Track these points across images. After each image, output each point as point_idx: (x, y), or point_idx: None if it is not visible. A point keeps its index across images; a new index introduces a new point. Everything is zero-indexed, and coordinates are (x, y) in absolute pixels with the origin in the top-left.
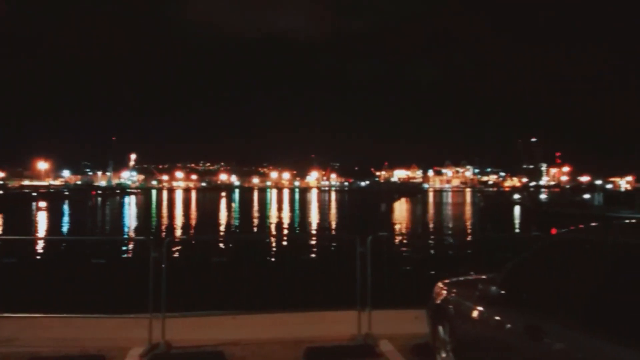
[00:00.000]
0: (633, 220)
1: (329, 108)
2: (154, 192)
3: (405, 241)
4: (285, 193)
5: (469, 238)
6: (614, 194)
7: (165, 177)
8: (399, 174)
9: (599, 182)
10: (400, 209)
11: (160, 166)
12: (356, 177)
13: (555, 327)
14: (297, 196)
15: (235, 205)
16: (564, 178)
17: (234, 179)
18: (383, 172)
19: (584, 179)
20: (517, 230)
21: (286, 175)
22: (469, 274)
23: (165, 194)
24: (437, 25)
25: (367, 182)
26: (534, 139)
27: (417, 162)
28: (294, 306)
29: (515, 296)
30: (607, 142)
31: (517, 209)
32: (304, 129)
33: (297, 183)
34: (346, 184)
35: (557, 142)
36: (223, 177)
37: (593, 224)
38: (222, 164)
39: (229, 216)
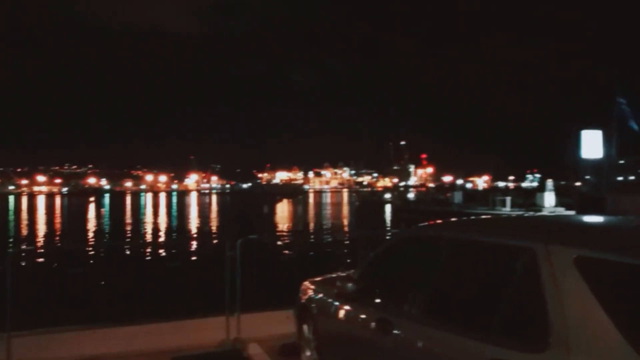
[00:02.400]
0: (472, 217)
1: (211, 109)
2: (11, 197)
3: (284, 242)
4: (162, 197)
5: (345, 236)
6: (471, 192)
7: (24, 182)
8: (281, 176)
9: (460, 181)
10: (283, 211)
11: (20, 169)
12: (238, 179)
13: (401, 320)
14: (174, 200)
15: (104, 211)
16: (430, 178)
17: (104, 183)
18: (265, 174)
19: (447, 178)
20: (388, 228)
21: (163, 178)
22: (339, 272)
23: (25, 199)
24: (318, 27)
25: (250, 184)
26: (403, 142)
27: (298, 164)
28: (160, 315)
29: (369, 291)
30: (467, 145)
31: (388, 208)
32: (184, 130)
33: (175, 186)
34: (228, 186)
35: (424, 144)
36: (92, 180)
37: (439, 221)
38: (91, 166)
39: (98, 223)
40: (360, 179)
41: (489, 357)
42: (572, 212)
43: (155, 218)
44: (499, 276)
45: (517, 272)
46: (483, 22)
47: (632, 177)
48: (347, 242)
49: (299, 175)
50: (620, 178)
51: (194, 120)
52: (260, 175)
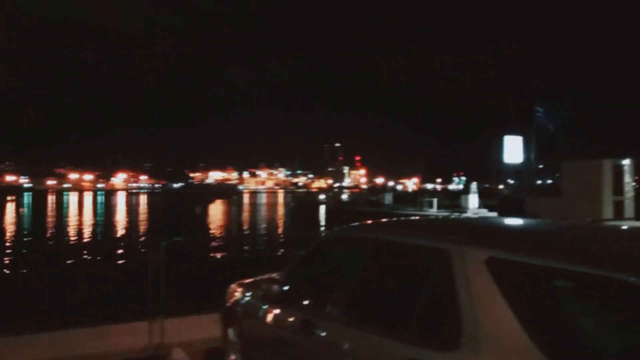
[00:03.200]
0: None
1: (141, 106)
2: None
3: (216, 244)
4: (88, 196)
5: (280, 237)
6: (401, 194)
7: None
8: (215, 176)
9: (391, 183)
10: (216, 211)
11: None
12: (169, 179)
13: (323, 321)
14: (100, 199)
15: (23, 210)
16: (363, 180)
17: (25, 181)
18: (198, 174)
19: (380, 180)
20: (322, 228)
21: (88, 176)
22: (270, 274)
23: None
24: (254, 26)
25: (181, 184)
26: (338, 144)
27: (232, 164)
28: (79, 321)
29: (295, 293)
30: (398, 148)
31: (322, 209)
32: (112, 127)
33: (101, 185)
34: (158, 186)
35: (358, 147)
36: (11, 178)
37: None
38: (8, 163)
39: (17, 222)
40: (295, 180)
41: (405, 357)
42: (494, 214)
43: (79, 218)
44: (417, 277)
45: (434, 272)
46: (413, 29)
47: (549, 181)
48: (282, 242)
49: (234, 175)
50: (539, 181)
51: (123, 117)
52: (192, 175)
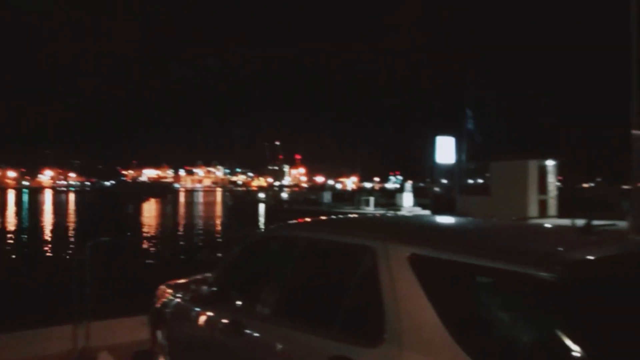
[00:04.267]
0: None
1: (70, 100)
2: None
3: (148, 244)
4: (11, 194)
5: (217, 237)
6: (340, 192)
7: None
8: (149, 174)
9: (331, 182)
10: (150, 210)
11: None
12: (100, 176)
13: (253, 321)
14: (25, 198)
15: None
16: (304, 178)
17: None
18: (131, 172)
19: (320, 179)
20: (262, 227)
21: (12, 173)
22: (203, 274)
23: None
24: (190, 21)
25: (113, 182)
26: (278, 142)
27: (168, 161)
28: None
29: (225, 294)
30: (338, 147)
31: (262, 207)
32: (40, 122)
33: (26, 182)
34: (88, 183)
35: (298, 145)
36: None
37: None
38: None
39: None
40: (235, 178)
41: (331, 354)
42: (427, 212)
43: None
44: (344, 274)
45: (360, 270)
46: (353, 27)
47: (480, 180)
48: (220, 242)
49: (169, 173)
50: (471, 181)
51: (52, 112)
52: (125, 172)
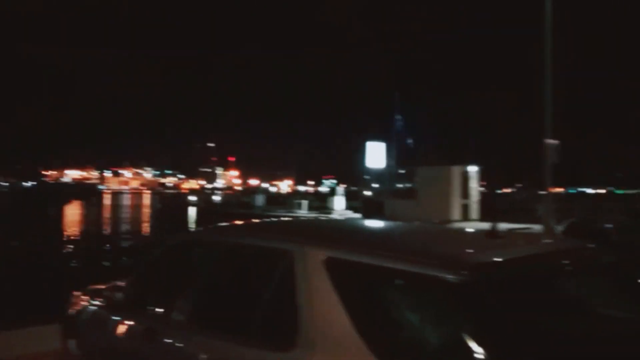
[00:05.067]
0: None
1: None
2: None
3: (67, 249)
4: None
5: (141, 241)
6: (273, 195)
7: None
8: (72, 174)
9: (266, 185)
10: (73, 213)
11: None
12: (19, 176)
13: (167, 329)
14: None
15: None
16: (237, 181)
17: None
18: (53, 172)
19: (254, 182)
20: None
21: None
22: (120, 280)
23: None
24: (120, 15)
25: (34, 183)
26: (211, 144)
27: (93, 162)
28: None
29: (140, 300)
30: (273, 150)
31: (193, 211)
32: None
33: None
34: (5, 184)
35: (232, 147)
36: None
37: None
38: None
39: None
40: (164, 180)
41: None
42: (358, 215)
43: None
44: (262, 279)
45: (278, 274)
46: (287, 32)
47: (409, 185)
48: (142, 247)
49: (94, 174)
50: (401, 185)
51: None
52: (46, 173)
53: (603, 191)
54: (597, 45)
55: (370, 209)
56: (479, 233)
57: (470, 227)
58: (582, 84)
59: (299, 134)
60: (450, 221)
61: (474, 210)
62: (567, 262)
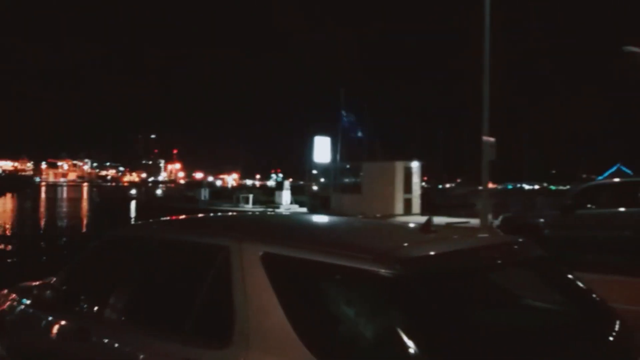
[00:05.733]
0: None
1: None
2: None
3: None
4: None
5: (76, 237)
6: (219, 189)
7: None
8: (4, 165)
9: (211, 178)
10: (4, 207)
11: None
12: None
13: (100, 327)
14: None
15: None
16: (181, 174)
17: None
18: None
19: (199, 175)
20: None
21: None
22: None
23: None
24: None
25: None
26: (153, 136)
27: (27, 153)
28: None
29: (72, 298)
30: (219, 143)
31: (133, 204)
32: None
33: None
34: None
35: (176, 139)
36: None
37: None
38: None
39: None
40: (104, 173)
41: (179, 357)
42: (304, 209)
43: None
44: (198, 275)
45: (214, 270)
46: (236, 28)
47: (355, 180)
48: (77, 243)
49: (29, 165)
50: (347, 180)
51: None
52: None
53: (538, 187)
54: (536, 46)
55: (316, 203)
56: (413, 228)
57: (408, 222)
58: (521, 84)
59: (247, 128)
60: (391, 216)
61: (416, 204)
62: (496, 256)
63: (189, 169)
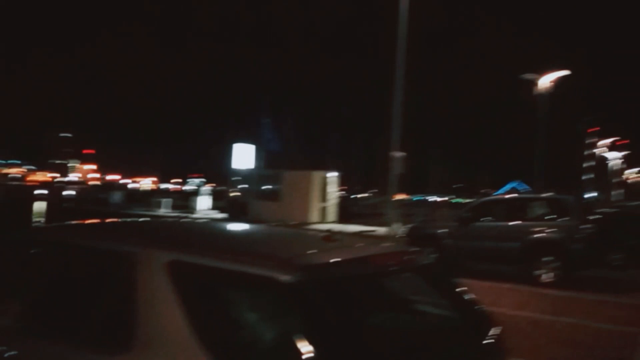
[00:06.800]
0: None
1: None
2: None
3: None
4: None
5: None
6: (134, 192)
7: None
8: None
9: (127, 181)
10: None
11: None
12: None
13: None
14: None
15: None
16: (96, 175)
17: None
18: None
19: (115, 177)
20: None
21: None
22: None
23: None
24: None
25: None
26: (65, 134)
27: None
28: None
29: None
30: (136, 145)
31: (41, 206)
32: None
33: None
34: None
35: (90, 140)
36: None
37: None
38: None
39: None
40: (7, 171)
41: None
42: (222, 215)
43: None
44: (103, 282)
45: (119, 276)
46: (156, 26)
47: (275, 187)
48: None
49: None
50: (269, 186)
51: None
52: None
53: (444, 199)
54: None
55: (235, 209)
56: (317, 236)
57: (315, 231)
58: (432, 103)
59: (168, 131)
60: (308, 223)
61: (332, 213)
62: (389, 263)
63: (104, 170)
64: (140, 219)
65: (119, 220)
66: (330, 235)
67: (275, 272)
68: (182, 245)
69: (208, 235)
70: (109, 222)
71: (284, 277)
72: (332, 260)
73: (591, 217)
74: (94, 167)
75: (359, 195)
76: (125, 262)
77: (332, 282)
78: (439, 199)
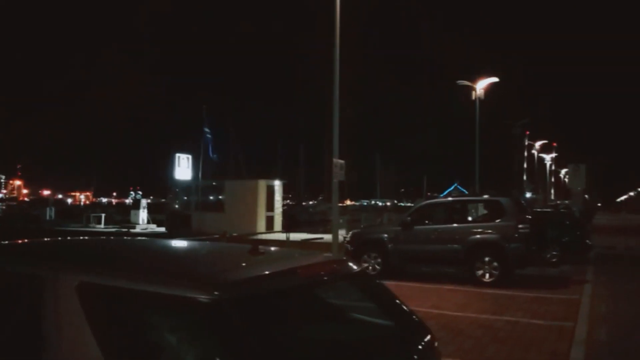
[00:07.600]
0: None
1: None
2: None
3: None
4: None
5: None
6: (68, 208)
7: None
8: None
9: (61, 196)
10: None
11: None
12: None
13: None
14: None
15: None
16: (26, 191)
17: None
18: None
19: (47, 192)
20: None
21: None
22: None
23: None
24: None
25: None
26: None
27: None
28: None
29: None
30: (69, 159)
31: None
32: None
33: None
34: None
35: (18, 153)
36: None
37: None
38: None
39: None
40: None
41: None
42: (163, 229)
43: None
44: (10, 307)
45: (27, 301)
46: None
47: (219, 198)
48: None
49: None
50: (212, 197)
51: None
52: None
53: (388, 204)
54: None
55: (176, 222)
56: (243, 250)
57: (241, 244)
58: (373, 112)
59: (104, 143)
60: (254, 233)
61: (278, 222)
62: (316, 274)
63: (35, 185)
64: (56, 239)
65: (33, 240)
66: (258, 248)
67: (191, 292)
68: (93, 266)
69: (124, 254)
70: (22, 243)
71: (201, 297)
72: (252, 276)
73: (527, 217)
74: (20, 182)
75: (309, 202)
76: (33, 285)
77: (255, 298)
78: (388, 203)
